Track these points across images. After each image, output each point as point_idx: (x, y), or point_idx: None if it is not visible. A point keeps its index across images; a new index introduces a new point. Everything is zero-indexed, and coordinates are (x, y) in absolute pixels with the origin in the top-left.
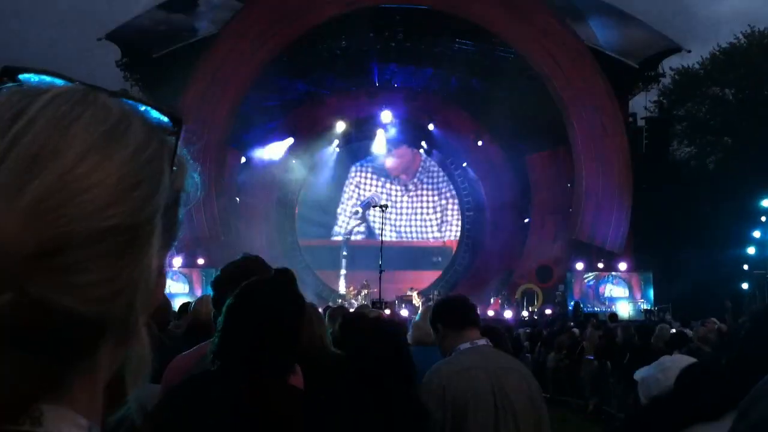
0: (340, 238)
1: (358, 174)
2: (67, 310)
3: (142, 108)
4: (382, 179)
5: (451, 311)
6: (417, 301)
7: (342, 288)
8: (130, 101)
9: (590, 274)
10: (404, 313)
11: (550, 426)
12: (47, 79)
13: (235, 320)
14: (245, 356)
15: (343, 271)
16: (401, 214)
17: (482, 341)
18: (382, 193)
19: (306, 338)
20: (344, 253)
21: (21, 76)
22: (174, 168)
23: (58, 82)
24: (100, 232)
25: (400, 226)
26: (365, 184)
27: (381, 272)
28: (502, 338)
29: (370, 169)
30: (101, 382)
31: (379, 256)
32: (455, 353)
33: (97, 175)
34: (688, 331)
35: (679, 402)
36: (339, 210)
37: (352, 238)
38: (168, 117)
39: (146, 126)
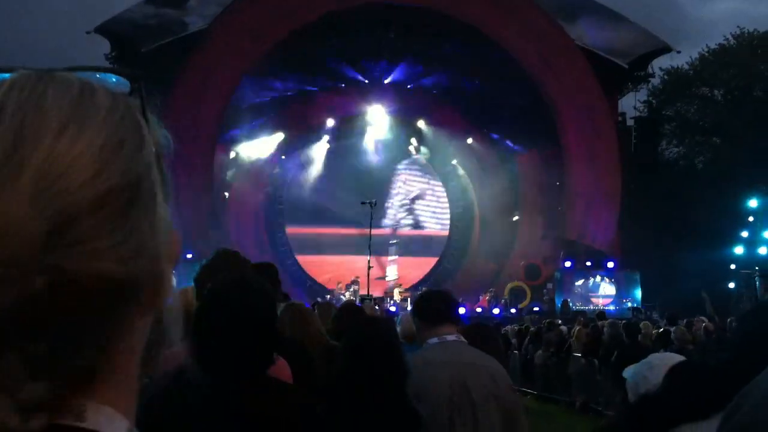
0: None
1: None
2: (101, 276)
3: (98, 75)
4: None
5: (426, 306)
6: (398, 297)
7: (392, 274)
8: (84, 72)
9: (580, 279)
10: (392, 309)
11: (536, 423)
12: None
13: (203, 322)
14: (217, 357)
15: (394, 257)
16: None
17: (452, 336)
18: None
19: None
20: (394, 241)
21: None
22: (148, 121)
23: (6, 75)
24: (101, 197)
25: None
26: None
27: (369, 268)
28: (490, 336)
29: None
30: (139, 354)
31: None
32: (424, 347)
33: (80, 144)
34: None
35: (667, 400)
36: (387, 204)
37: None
38: (125, 77)
39: (108, 90)
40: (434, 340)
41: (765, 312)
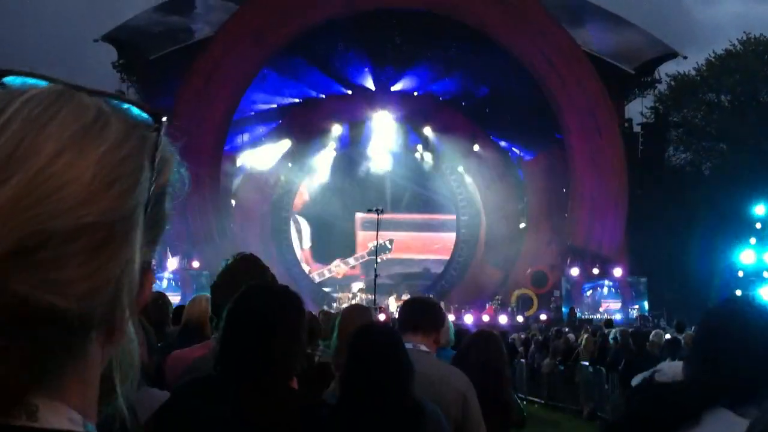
0: None
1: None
2: (49, 307)
3: (124, 106)
4: None
5: (401, 313)
6: (394, 304)
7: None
8: (111, 99)
9: (588, 287)
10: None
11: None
12: (30, 81)
13: (234, 326)
14: (245, 362)
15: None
16: None
17: (408, 345)
18: None
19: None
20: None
21: (5, 79)
22: (156, 163)
23: (41, 83)
24: (76, 230)
25: None
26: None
27: (376, 276)
28: (489, 345)
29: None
30: (94, 376)
31: None
32: None
33: (71, 173)
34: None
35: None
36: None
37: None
38: (149, 114)
39: (125, 123)
40: None
41: (715, 317)
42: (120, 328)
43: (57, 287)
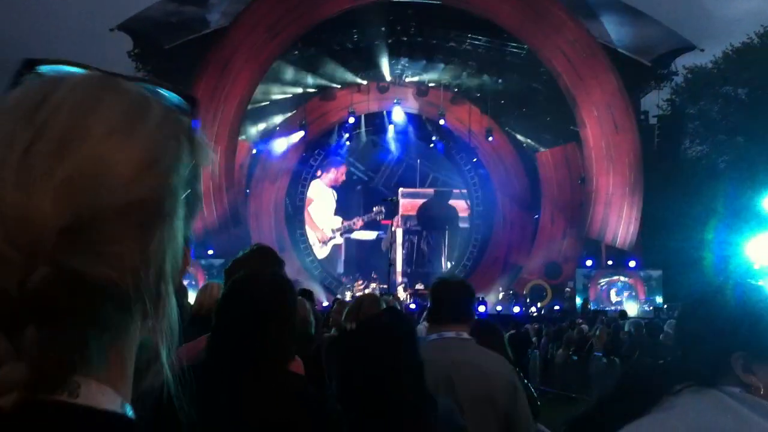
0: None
1: None
2: (102, 280)
3: (160, 90)
4: None
5: (434, 301)
6: (402, 295)
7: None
8: (147, 85)
9: (603, 280)
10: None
11: (556, 422)
12: (65, 68)
13: (224, 315)
14: (238, 348)
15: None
16: None
17: (450, 333)
18: None
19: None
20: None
21: (40, 68)
22: (192, 144)
23: (77, 70)
24: (127, 206)
25: None
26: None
27: (390, 266)
28: (492, 334)
29: None
30: (132, 353)
31: None
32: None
33: (121, 154)
34: None
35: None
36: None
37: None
38: (183, 98)
39: (163, 107)
40: (433, 336)
41: (689, 302)
42: (165, 299)
43: (112, 261)
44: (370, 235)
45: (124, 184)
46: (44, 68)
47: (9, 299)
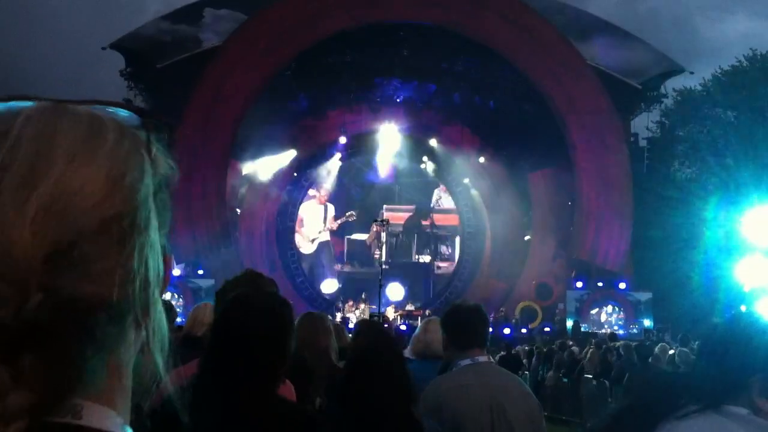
0: None
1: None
2: (94, 297)
3: (110, 109)
4: None
5: (458, 327)
6: (391, 315)
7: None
8: (97, 106)
9: (592, 302)
10: (402, 328)
11: None
12: (13, 104)
13: (217, 335)
14: (227, 371)
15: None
16: None
17: (483, 358)
18: None
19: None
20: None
21: None
22: (153, 155)
23: (25, 104)
24: (102, 223)
25: None
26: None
27: (380, 287)
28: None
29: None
30: (130, 366)
31: None
32: (455, 369)
33: (86, 176)
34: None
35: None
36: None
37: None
38: (134, 113)
39: (118, 124)
40: (466, 361)
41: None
42: (153, 307)
43: (100, 277)
44: (363, 236)
45: (95, 203)
46: None
47: (5, 330)
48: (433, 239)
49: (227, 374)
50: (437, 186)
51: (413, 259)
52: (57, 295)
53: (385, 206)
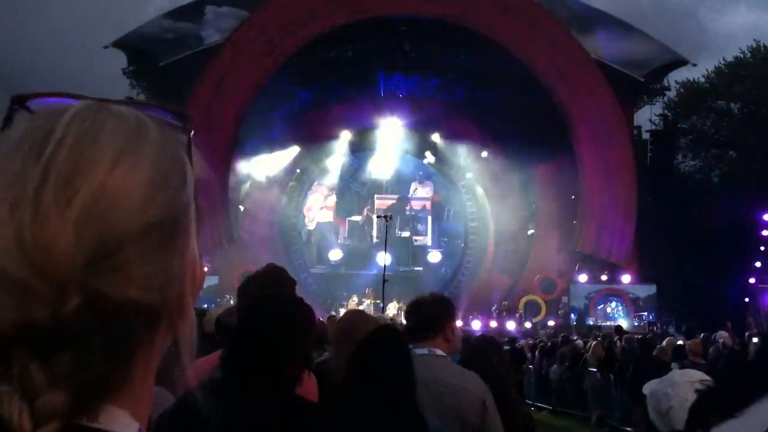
0: None
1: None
2: (133, 301)
3: (151, 111)
4: None
5: (407, 317)
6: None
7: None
8: (139, 105)
9: (597, 295)
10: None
11: None
12: (57, 100)
13: (243, 333)
14: (249, 366)
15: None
16: None
17: (422, 350)
18: None
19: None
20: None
21: (30, 103)
22: (192, 160)
23: (69, 101)
24: (146, 227)
25: None
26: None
27: (384, 282)
28: (490, 349)
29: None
30: (154, 369)
31: None
32: None
33: (132, 178)
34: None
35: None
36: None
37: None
38: (176, 115)
39: (160, 127)
40: (423, 351)
41: None
42: (187, 313)
43: (141, 282)
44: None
45: (139, 206)
46: (34, 102)
47: (42, 329)
48: (411, 219)
49: (247, 373)
50: (414, 180)
51: (396, 235)
52: (97, 298)
53: (375, 195)
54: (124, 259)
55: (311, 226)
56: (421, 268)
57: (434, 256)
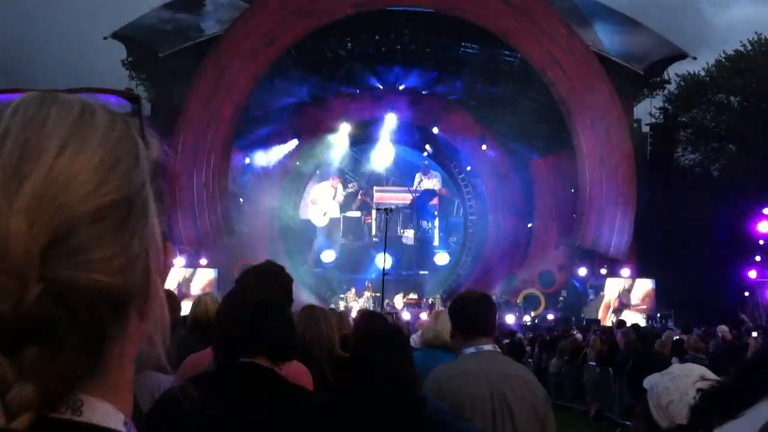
0: None
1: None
2: (95, 286)
3: (100, 96)
4: None
5: (464, 315)
6: (400, 303)
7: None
8: (86, 92)
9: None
10: (406, 316)
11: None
12: (2, 96)
13: (225, 310)
14: (237, 344)
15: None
16: None
17: (488, 346)
18: None
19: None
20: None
21: None
22: (144, 141)
23: (11, 95)
24: (99, 210)
25: None
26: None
27: (384, 275)
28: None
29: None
30: (132, 357)
31: None
32: (460, 357)
33: (80, 162)
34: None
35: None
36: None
37: None
38: (126, 98)
39: (107, 110)
40: (471, 349)
41: None
42: (155, 295)
43: (100, 265)
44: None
45: (89, 189)
46: None
47: (6, 322)
48: (415, 216)
49: (235, 358)
50: (419, 170)
51: (398, 233)
52: (57, 285)
53: (375, 188)
54: (79, 243)
55: (311, 219)
56: (427, 272)
57: (442, 258)
